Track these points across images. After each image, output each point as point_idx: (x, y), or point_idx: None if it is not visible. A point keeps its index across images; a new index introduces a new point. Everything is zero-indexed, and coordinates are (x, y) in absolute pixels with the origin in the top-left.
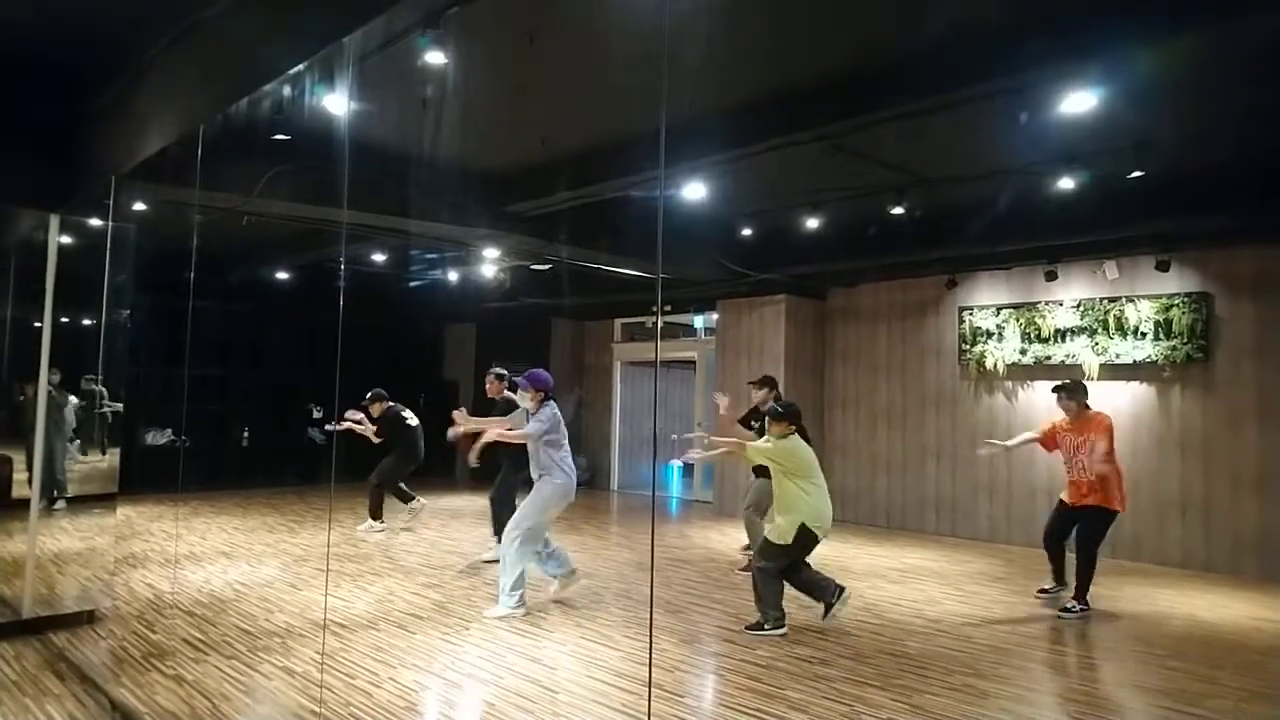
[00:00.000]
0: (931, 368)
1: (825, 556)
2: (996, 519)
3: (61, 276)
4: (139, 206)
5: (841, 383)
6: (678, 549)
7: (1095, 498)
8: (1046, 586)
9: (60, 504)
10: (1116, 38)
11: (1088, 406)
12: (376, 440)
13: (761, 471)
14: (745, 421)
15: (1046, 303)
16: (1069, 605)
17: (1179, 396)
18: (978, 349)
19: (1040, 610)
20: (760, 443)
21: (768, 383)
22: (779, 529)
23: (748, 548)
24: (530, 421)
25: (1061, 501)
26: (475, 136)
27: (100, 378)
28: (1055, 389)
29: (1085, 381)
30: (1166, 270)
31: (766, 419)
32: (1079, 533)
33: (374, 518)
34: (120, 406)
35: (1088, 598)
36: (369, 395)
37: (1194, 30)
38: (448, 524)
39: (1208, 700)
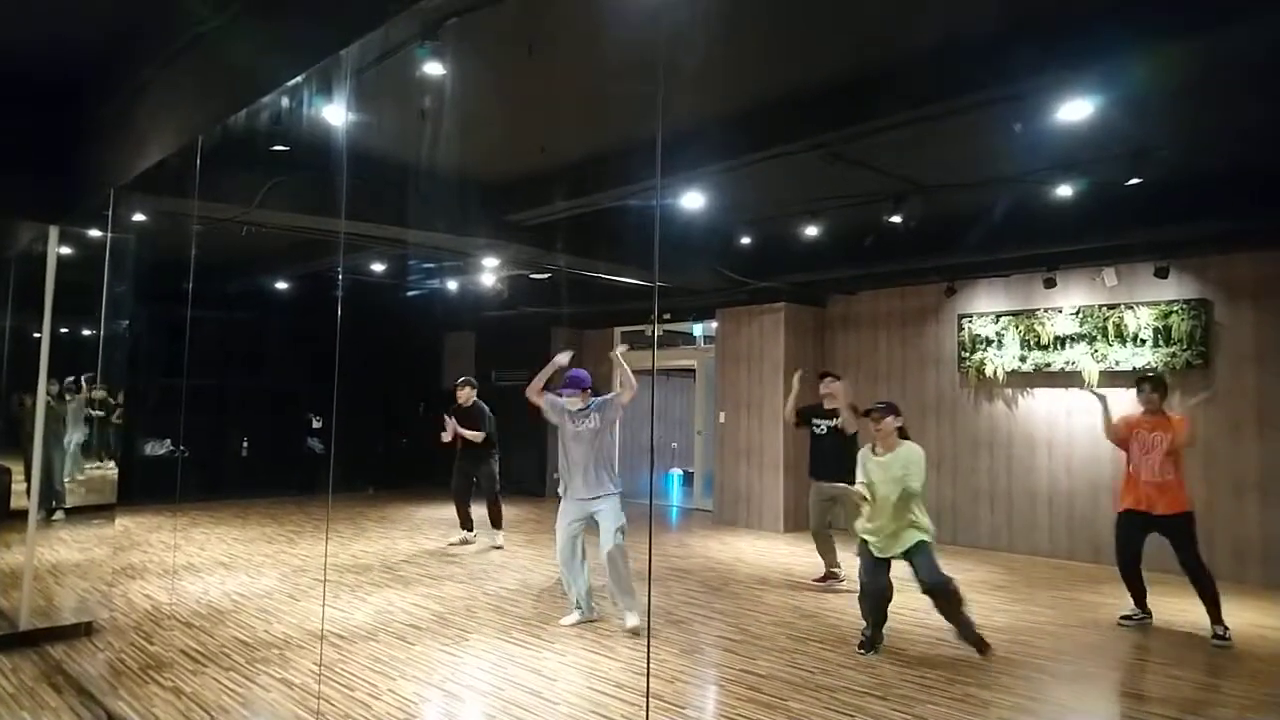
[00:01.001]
0: (931, 375)
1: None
2: (997, 527)
3: (61, 287)
4: (138, 217)
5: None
6: (677, 558)
7: (1167, 503)
8: (1129, 613)
9: (59, 515)
10: (1113, 45)
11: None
12: (466, 435)
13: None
14: (805, 417)
15: (1046, 310)
16: (1220, 633)
17: (1179, 403)
18: (977, 356)
19: (1040, 619)
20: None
21: (833, 376)
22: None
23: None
24: (589, 418)
25: (1130, 514)
26: (474, 146)
27: (105, 387)
28: (1139, 380)
29: (1084, 389)
30: (1165, 277)
31: (873, 419)
32: (1180, 551)
33: (465, 528)
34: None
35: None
36: (460, 380)
37: (1190, 37)
38: (449, 533)
39: (1211, 709)
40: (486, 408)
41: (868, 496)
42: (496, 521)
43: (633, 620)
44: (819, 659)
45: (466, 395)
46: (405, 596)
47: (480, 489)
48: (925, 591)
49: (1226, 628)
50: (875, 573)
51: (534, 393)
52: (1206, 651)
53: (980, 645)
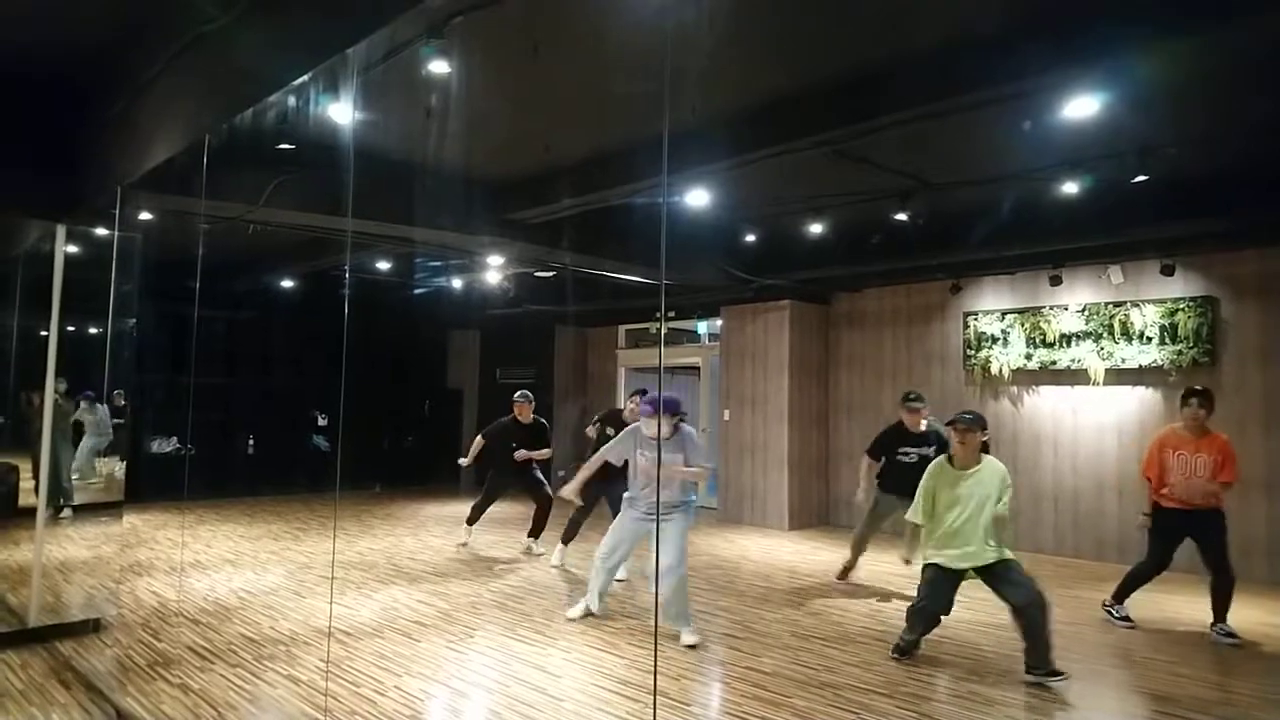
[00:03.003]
0: (936, 373)
1: (833, 563)
2: None
3: (68, 286)
4: (145, 216)
5: (846, 388)
6: None
7: (1204, 498)
8: (1125, 614)
9: (67, 512)
10: (1119, 42)
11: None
12: (537, 456)
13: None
14: (885, 449)
15: (1051, 307)
16: (1223, 629)
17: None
18: (983, 354)
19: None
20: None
21: (922, 398)
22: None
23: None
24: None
25: (1162, 510)
26: (479, 144)
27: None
28: (1185, 394)
29: (1091, 386)
30: (1171, 274)
31: (957, 431)
32: (1207, 549)
33: (470, 523)
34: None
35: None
36: (518, 395)
37: (1196, 34)
38: (452, 530)
39: (1217, 708)
40: (545, 422)
41: (925, 511)
42: (538, 530)
43: (689, 638)
44: (824, 656)
45: (528, 413)
46: (411, 593)
47: (532, 497)
48: (1017, 611)
49: (1231, 630)
50: (940, 588)
51: (589, 470)
52: (1214, 649)
53: (1054, 670)
